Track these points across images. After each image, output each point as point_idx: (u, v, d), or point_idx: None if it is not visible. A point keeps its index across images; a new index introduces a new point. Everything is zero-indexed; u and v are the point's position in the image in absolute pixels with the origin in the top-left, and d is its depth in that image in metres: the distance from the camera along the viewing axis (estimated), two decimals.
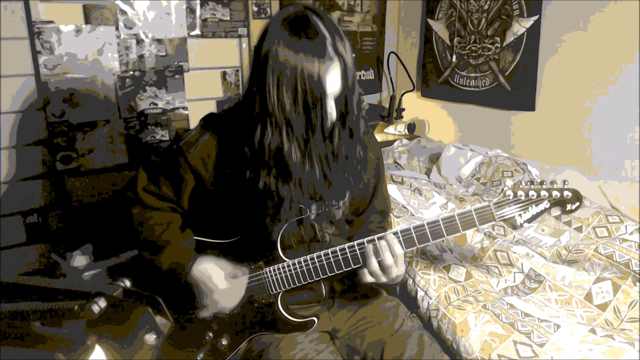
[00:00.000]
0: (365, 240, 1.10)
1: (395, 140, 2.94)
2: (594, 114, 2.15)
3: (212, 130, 1.16)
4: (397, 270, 1.09)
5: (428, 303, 1.46)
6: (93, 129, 2.26)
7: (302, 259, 1.15)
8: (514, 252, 1.59)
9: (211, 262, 1.17)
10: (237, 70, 2.63)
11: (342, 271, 1.14)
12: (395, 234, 1.09)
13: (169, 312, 0.70)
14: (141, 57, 2.32)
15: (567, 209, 1.08)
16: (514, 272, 1.55)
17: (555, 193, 1.06)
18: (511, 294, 1.50)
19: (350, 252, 1.12)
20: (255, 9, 2.61)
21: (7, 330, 0.64)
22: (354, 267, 1.13)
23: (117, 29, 2.23)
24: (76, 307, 0.62)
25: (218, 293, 1.15)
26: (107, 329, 0.66)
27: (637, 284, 1.39)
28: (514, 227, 1.09)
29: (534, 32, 2.31)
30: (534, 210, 1.07)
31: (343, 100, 1.01)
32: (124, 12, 2.24)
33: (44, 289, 0.68)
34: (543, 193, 1.06)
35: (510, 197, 1.07)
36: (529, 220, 1.07)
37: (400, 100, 3.15)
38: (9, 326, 0.64)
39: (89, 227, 2.29)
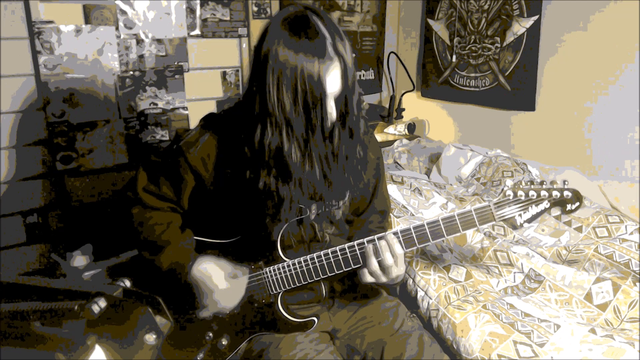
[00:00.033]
0: (365, 240, 1.10)
1: (395, 140, 2.94)
2: (594, 114, 2.15)
3: (212, 131, 1.16)
4: (397, 270, 1.09)
5: (428, 303, 1.46)
6: (93, 129, 2.26)
7: (302, 259, 1.15)
8: (514, 252, 1.59)
9: (211, 262, 1.17)
10: (237, 70, 2.63)
11: (342, 271, 1.14)
12: (395, 234, 1.09)
13: (169, 312, 0.70)
14: (141, 57, 2.32)
15: (567, 209, 1.07)
16: (514, 272, 1.55)
17: (555, 193, 1.06)
18: (511, 294, 1.50)
19: (350, 252, 1.12)
20: (255, 9, 2.61)
21: (7, 330, 0.64)
22: (353, 267, 1.13)
23: (117, 29, 2.23)
24: (76, 307, 0.62)
25: (218, 293, 1.15)
26: (107, 329, 0.66)
27: (637, 284, 1.39)
28: (514, 227, 1.09)
29: (534, 32, 2.31)
30: (534, 210, 1.07)
31: (343, 100, 1.01)
32: (124, 12, 2.24)
33: (44, 289, 0.68)
34: (543, 193, 1.06)
35: (510, 197, 1.07)
36: (529, 220, 1.07)
37: (400, 100, 3.15)
38: (9, 326, 0.64)
39: (89, 227, 2.29)
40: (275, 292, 1.19)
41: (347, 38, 1.00)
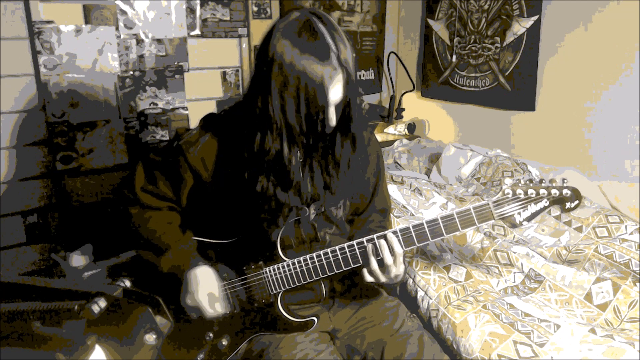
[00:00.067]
0: (364, 239, 1.10)
1: (395, 140, 2.94)
2: (594, 114, 2.15)
3: (213, 131, 1.16)
4: (396, 270, 1.09)
5: (428, 303, 1.46)
6: (93, 129, 2.26)
7: (301, 258, 1.15)
8: (514, 252, 1.59)
9: (209, 270, 1.18)
10: (237, 70, 2.63)
11: (341, 270, 1.14)
12: (394, 232, 1.09)
13: (169, 312, 0.70)
14: (141, 57, 2.32)
15: (567, 207, 1.07)
16: (514, 272, 1.55)
17: (554, 191, 1.06)
18: (511, 294, 1.50)
19: (349, 251, 1.12)
20: (255, 9, 2.61)
21: (7, 330, 0.64)
22: (353, 266, 1.13)
23: (117, 29, 2.23)
24: (76, 307, 0.62)
25: (194, 300, 1.15)
26: (107, 329, 0.66)
27: (637, 284, 1.39)
28: (513, 225, 1.09)
29: (534, 32, 2.31)
30: (533, 208, 1.07)
31: (344, 107, 1.02)
32: (124, 12, 2.24)
33: (44, 289, 0.68)
34: (542, 191, 1.06)
35: (509, 196, 1.07)
36: (528, 219, 1.07)
37: (400, 100, 3.15)
38: (9, 326, 0.64)
39: (89, 227, 2.29)
40: (275, 291, 1.19)
41: (350, 43, 1.00)
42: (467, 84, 2.72)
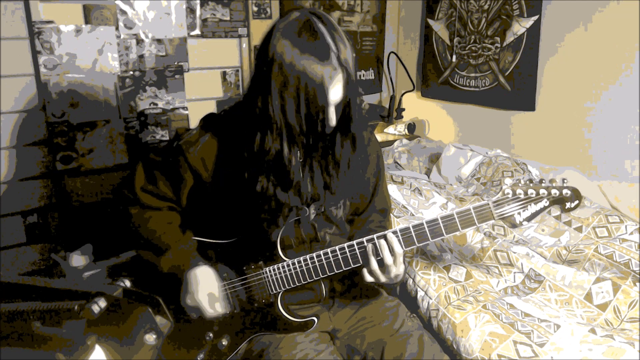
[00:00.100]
0: (364, 239, 1.10)
1: (395, 140, 2.94)
2: (594, 114, 2.15)
3: (213, 131, 1.16)
4: (396, 270, 1.10)
5: (428, 303, 1.46)
6: (93, 129, 2.26)
7: (301, 258, 1.15)
8: (514, 252, 1.59)
9: (209, 270, 1.18)
10: (237, 70, 2.63)
11: (341, 270, 1.14)
12: (394, 232, 1.09)
13: (169, 312, 0.70)
14: (141, 57, 2.32)
15: (567, 207, 1.07)
16: (514, 272, 1.55)
17: (554, 191, 1.06)
18: (511, 294, 1.50)
19: (349, 251, 1.12)
20: (255, 9, 2.61)
21: (7, 330, 0.64)
22: (353, 266, 1.13)
23: (117, 29, 2.23)
24: (76, 307, 0.62)
25: (194, 300, 1.15)
26: (107, 329, 0.66)
27: (637, 284, 1.39)
28: (513, 225, 1.09)
29: (534, 32, 2.31)
30: (533, 208, 1.07)
31: (344, 107, 1.02)
32: (124, 12, 2.24)
33: (44, 289, 0.68)
34: (542, 191, 1.06)
35: (509, 196, 1.07)
36: (528, 219, 1.07)
37: (400, 100, 3.15)
38: (9, 326, 0.64)
39: (89, 227, 2.29)
40: (275, 291, 1.19)
41: (350, 43, 1.00)
42: (467, 84, 2.72)
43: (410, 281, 1.55)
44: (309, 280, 1.17)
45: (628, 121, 2.02)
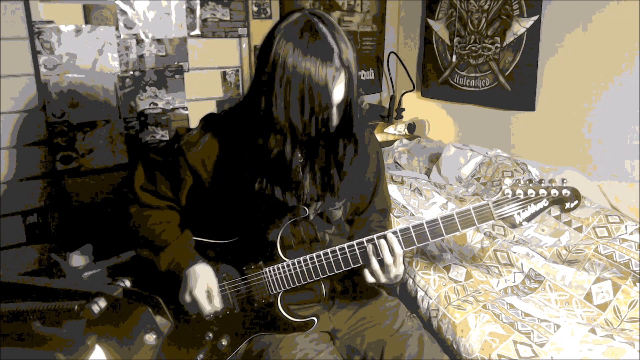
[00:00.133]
0: (364, 239, 1.10)
1: (395, 140, 2.94)
2: (594, 114, 2.15)
3: (213, 131, 1.16)
4: (396, 270, 1.10)
5: (428, 303, 1.46)
6: (93, 129, 2.26)
7: (301, 258, 1.15)
8: (514, 252, 1.59)
9: (207, 267, 1.18)
10: (237, 70, 2.63)
11: (341, 271, 1.14)
12: (394, 233, 1.09)
13: (169, 312, 0.70)
14: (141, 57, 2.32)
15: (566, 207, 1.08)
16: (514, 272, 1.55)
17: (553, 191, 1.06)
18: (511, 294, 1.50)
19: (349, 251, 1.12)
20: (255, 9, 2.61)
21: (7, 330, 0.64)
22: (353, 266, 1.13)
23: (117, 29, 2.23)
24: (76, 307, 0.62)
25: (192, 296, 1.15)
26: (107, 329, 0.66)
27: (637, 284, 1.39)
28: (513, 225, 1.09)
29: (534, 32, 2.31)
30: (532, 208, 1.07)
31: (346, 107, 1.02)
32: (124, 12, 2.24)
33: (44, 289, 0.68)
34: (541, 191, 1.06)
35: (509, 196, 1.07)
36: (528, 219, 1.08)
37: (400, 100, 3.15)
38: (9, 326, 0.64)
39: (89, 227, 2.29)
40: (275, 292, 1.19)
41: (351, 43, 1.00)
42: (467, 84, 2.72)
43: (410, 281, 1.55)
44: (309, 281, 1.17)
45: (628, 121, 2.02)
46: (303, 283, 1.17)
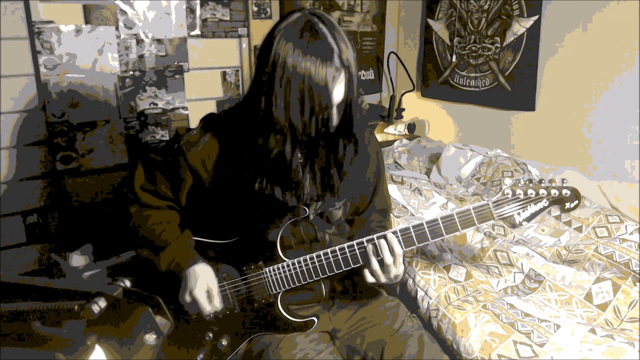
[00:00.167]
0: (364, 239, 1.10)
1: (395, 140, 2.94)
2: (594, 114, 2.15)
3: (213, 131, 1.16)
4: (396, 270, 1.10)
5: (428, 303, 1.46)
6: (93, 129, 2.26)
7: (301, 258, 1.15)
8: (514, 252, 1.59)
9: (207, 266, 1.18)
10: (237, 70, 2.63)
11: (341, 271, 1.14)
12: (394, 233, 1.09)
13: (169, 312, 0.70)
14: (141, 57, 2.32)
15: (566, 208, 1.08)
16: (514, 272, 1.55)
17: (553, 191, 1.06)
18: (511, 294, 1.50)
19: (349, 251, 1.12)
20: (255, 9, 2.61)
21: (7, 330, 0.64)
22: (353, 266, 1.13)
23: (117, 29, 2.23)
24: (76, 307, 0.62)
25: (192, 296, 1.15)
26: (107, 329, 0.66)
27: (637, 284, 1.39)
28: (513, 225, 1.09)
29: (534, 32, 2.31)
30: (532, 208, 1.07)
31: (346, 107, 1.02)
32: (124, 12, 2.24)
33: (44, 289, 0.68)
34: (541, 191, 1.06)
35: (509, 196, 1.07)
36: (528, 219, 1.08)
37: (400, 100, 3.15)
38: (9, 326, 0.64)
39: (89, 227, 2.29)
40: (275, 292, 1.19)
41: (352, 43, 1.00)
42: (467, 84, 2.72)
43: (410, 281, 1.55)
44: (309, 281, 1.17)
45: (628, 121, 2.02)
46: (303, 283, 1.17)
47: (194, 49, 2.46)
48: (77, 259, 2.06)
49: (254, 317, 1.22)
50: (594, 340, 1.21)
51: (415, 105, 3.15)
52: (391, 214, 1.78)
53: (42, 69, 2.09)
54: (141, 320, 0.67)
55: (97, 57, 2.21)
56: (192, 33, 2.44)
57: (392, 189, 2.07)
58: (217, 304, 1.17)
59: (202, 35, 2.47)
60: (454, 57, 2.76)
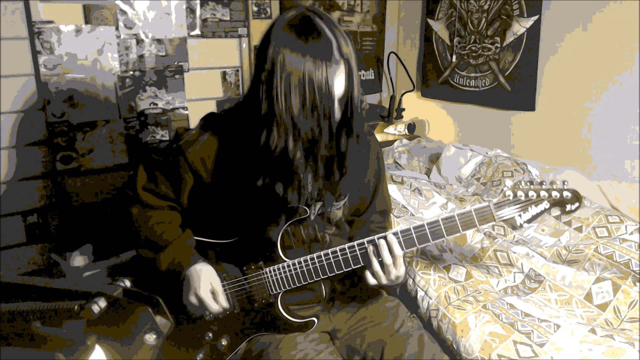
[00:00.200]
0: (365, 240, 1.10)
1: (395, 140, 2.94)
2: (594, 114, 2.15)
3: (212, 130, 1.16)
4: (397, 271, 1.10)
5: (428, 303, 1.46)
6: (93, 129, 2.26)
7: (302, 259, 1.15)
8: (514, 252, 1.59)
9: (208, 266, 1.17)
10: (237, 70, 2.63)
11: (341, 271, 1.14)
12: (395, 234, 1.09)
13: (169, 312, 0.70)
14: (141, 57, 2.32)
15: (567, 209, 1.08)
16: (514, 272, 1.55)
17: (554, 193, 1.06)
18: (511, 294, 1.50)
19: (350, 252, 1.12)
20: (255, 9, 2.61)
21: (7, 330, 0.64)
22: (353, 267, 1.13)
23: (117, 29, 2.23)
24: (76, 307, 0.62)
25: (197, 296, 1.15)
26: (107, 329, 0.66)
27: (637, 284, 1.39)
28: (514, 227, 1.09)
29: (534, 32, 2.31)
30: (533, 210, 1.07)
31: (346, 101, 1.02)
32: (124, 12, 2.24)
33: (44, 289, 0.68)
34: (542, 193, 1.06)
35: (510, 198, 1.07)
36: (529, 221, 1.07)
37: (400, 100, 3.15)
38: (9, 326, 0.64)
39: (89, 227, 2.29)
40: (275, 292, 1.19)
41: (350, 39, 1.00)
42: (467, 84, 2.72)
43: (410, 281, 1.55)
44: (309, 281, 1.17)
45: (628, 121, 2.02)
46: (303, 283, 1.17)
47: (194, 49, 2.46)
48: (77, 259, 2.06)
49: (253, 317, 1.22)
50: (594, 340, 1.21)
51: (415, 105, 3.15)
52: (391, 215, 1.78)
53: (42, 69, 2.09)
54: (141, 320, 0.67)
55: (97, 57, 2.21)
56: (192, 33, 2.44)
57: (392, 189, 2.07)
58: (223, 302, 1.17)
59: (202, 35, 2.47)
60: (454, 57, 2.76)
